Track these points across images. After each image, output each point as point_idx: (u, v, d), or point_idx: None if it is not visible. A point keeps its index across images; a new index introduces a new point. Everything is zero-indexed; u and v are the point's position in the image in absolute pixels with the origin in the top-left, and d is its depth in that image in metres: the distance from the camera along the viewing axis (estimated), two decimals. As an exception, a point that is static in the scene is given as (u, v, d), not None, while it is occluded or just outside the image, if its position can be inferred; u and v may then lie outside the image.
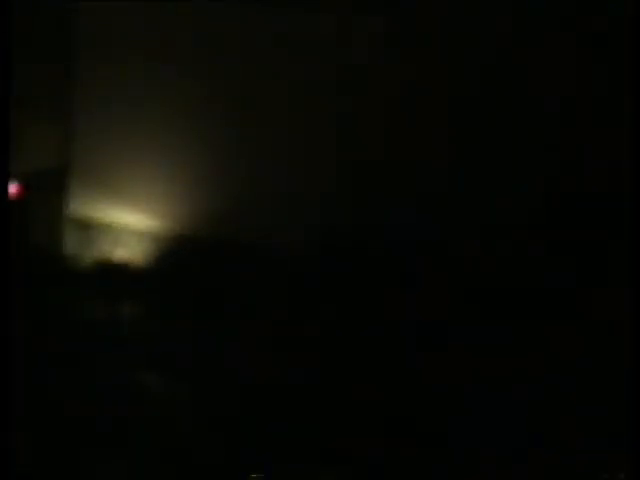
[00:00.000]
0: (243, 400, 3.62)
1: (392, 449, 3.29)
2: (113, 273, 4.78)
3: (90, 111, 4.75)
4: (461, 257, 4.03)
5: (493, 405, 3.59)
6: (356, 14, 3.99)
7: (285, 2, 4.11)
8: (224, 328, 4.26)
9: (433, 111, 4.00)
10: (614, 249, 3.50)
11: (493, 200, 3.98)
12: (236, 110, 4.42)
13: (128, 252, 4.83)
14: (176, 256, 4.74)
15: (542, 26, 3.69)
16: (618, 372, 3.03)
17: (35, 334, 3.73)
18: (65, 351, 3.87)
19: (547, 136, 3.84)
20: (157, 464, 3.13)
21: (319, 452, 3.24)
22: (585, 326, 3.52)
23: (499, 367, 3.79)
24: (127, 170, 4.76)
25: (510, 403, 3.58)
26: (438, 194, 4.09)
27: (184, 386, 3.79)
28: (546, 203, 3.84)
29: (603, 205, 3.62)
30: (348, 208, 4.26)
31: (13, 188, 4.23)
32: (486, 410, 3.56)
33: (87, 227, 4.92)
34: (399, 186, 4.17)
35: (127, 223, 4.83)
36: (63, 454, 3.09)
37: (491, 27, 3.78)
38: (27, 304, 3.79)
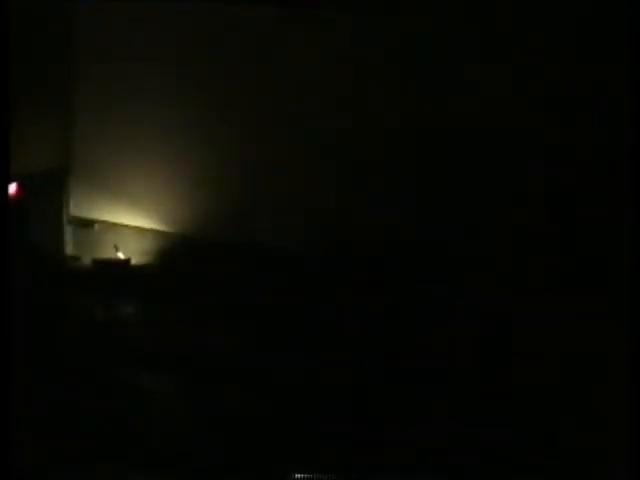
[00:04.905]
0: (243, 400, 3.62)
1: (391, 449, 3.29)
2: (113, 273, 4.78)
3: (90, 111, 4.76)
4: (461, 257, 4.04)
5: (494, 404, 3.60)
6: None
7: (285, 2, 4.12)
8: (224, 328, 4.27)
9: (432, 112, 4.01)
10: (614, 250, 3.50)
11: (492, 200, 3.98)
12: (236, 110, 4.43)
13: (128, 252, 4.84)
14: (176, 256, 4.74)
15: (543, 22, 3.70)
16: (618, 372, 3.03)
17: (35, 334, 3.72)
18: (65, 351, 3.87)
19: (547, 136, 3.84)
20: (157, 464, 3.13)
21: (318, 452, 3.24)
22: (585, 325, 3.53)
23: (497, 365, 3.81)
24: (127, 170, 4.76)
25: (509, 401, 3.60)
26: (438, 194, 4.10)
27: (184, 386, 3.79)
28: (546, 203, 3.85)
29: (603, 205, 3.62)
30: (348, 208, 4.27)
31: (13, 188, 4.22)
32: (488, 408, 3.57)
33: (87, 227, 4.93)
34: (399, 186, 4.18)
35: (127, 223, 4.84)
36: (63, 454, 3.09)
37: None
38: (27, 304, 3.79)
